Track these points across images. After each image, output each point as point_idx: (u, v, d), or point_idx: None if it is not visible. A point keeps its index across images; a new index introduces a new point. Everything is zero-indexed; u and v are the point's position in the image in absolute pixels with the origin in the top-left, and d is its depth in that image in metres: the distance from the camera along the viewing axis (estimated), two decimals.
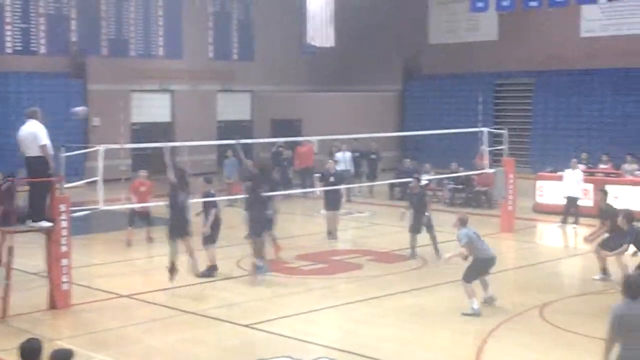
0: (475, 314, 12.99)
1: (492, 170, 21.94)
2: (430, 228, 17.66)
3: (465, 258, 13.56)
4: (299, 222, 23.43)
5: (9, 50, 30.98)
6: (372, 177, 28.65)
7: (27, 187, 13.61)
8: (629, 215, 14.20)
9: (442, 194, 26.04)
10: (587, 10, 32.41)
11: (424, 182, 20.24)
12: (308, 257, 17.98)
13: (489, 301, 13.61)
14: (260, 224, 16.05)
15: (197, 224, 16.29)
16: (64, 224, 13.55)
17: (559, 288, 15.59)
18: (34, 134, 13.27)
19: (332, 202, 20.04)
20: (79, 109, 16.87)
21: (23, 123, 13.58)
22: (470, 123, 29.17)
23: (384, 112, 36.96)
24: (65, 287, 13.62)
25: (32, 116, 13.58)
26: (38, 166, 13.28)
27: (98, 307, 13.95)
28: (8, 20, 30.90)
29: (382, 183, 27.02)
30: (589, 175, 22.84)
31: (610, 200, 16.27)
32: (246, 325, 12.68)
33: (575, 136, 31.09)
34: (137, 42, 33.98)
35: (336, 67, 37.92)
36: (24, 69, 31.01)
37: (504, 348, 11.68)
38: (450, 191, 25.99)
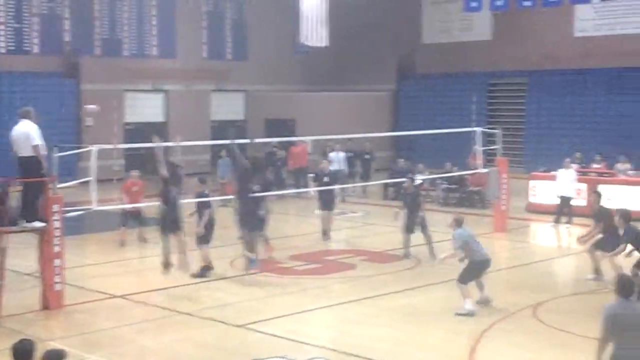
0: (469, 314, 12.99)
1: (485, 170, 21.95)
2: (424, 228, 17.66)
3: (462, 260, 13.57)
4: (293, 223, 23.42)
5: (2, 50, 30.91)
6: (365, 177, 28.64)
7: (20, 187, 13.57)
8: (626, 215, 14.16)
9: (435, 194, 26.04)
10: (580, 10, 32.49)
11: (418, 182, 20.25)
12: (302, 257, 17.97)
13: (484, 302, 13.61)
14: (250, 217, 16.04)
15: (191, 224, 16.27)
16: (57, 224, 13.51)
17: (552, 288, 15.60)
18: (27, 133, 13.25)
19: (326, 202, 20.05)
20: (91, 107, 16.85)
21: (16, 123, 13.56)
22: (464, 123, 29.19)
23: (378, 112, 36.99)
24: (58, 287, 13.57)
25: (26, 116, 13.55)
26: (31, 166, 13.25)
27: (91, 307, 13.92)
28: (1, 19, 30.83)
29: (376, 183, 27.02)
30: (582, 174, 22.87)
31: (603, 202, 16.25)
32: (240, 326, 12.66)
33: (569, 136, 31.14)
34: (131, 41, 33.93)
35: (330, 66, 37.92)
36: (17, 69, 30.95)
37: (497, 348, 11.69)
38: (443, 191, 26.00)
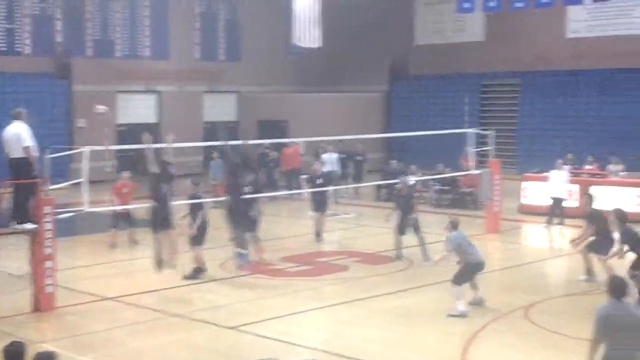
0: (462, 315, 12.99)
1: (478, 172, 21.96)
2: (417, 230, 17.63)
3: (460, 263, 13.57)
4: (285, 224, 23.38)
5: None
6: (358, 178, 28.63)
7: (11, 189, 13.52)
8: (622, 215, 14.08)
9: (428, 195, 26.04)
10: (573, 11, 32.58)
11: (411, 183, 20.23)
12: (294, 259, 17.95)
13: (478, 302, 13.62)
14: (241, 214, 16.02)
15: (184, 225, 16.24)
16: (49, 225, 13.46)
17: (544, 289, 15.61)
18: (18, 135, 13.22)
19: (320, 204, 20.01)
20: (101, 107, 16.78)
21: (8, 124, 13.51)
22: (457, 124, 29.20)
23: (370, 113, 37.00)
24: (49, 289, 13.53)
25: (17, 117, 13.52)
26: (22, 167, 13.22)
27: (83, 309, 13.87)
28: None
29: (369, 184, 27.02)
30: (575, 176, 22.90)
31: (595, 204, 16.23)
32: (232, 328, 12.64)
33: (561, 137, 31.19)
34: (123, 42, 33.87)
35: (323, 67, 37.92)
36: (9, 70, 30.86)
37: (490, 349, 11.70)
38: (436, 192, 26.00)
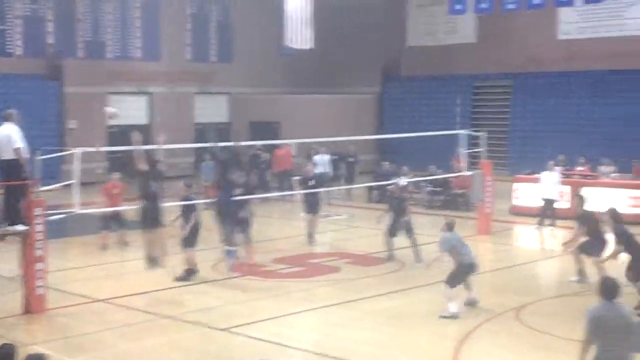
0: (453, 317, 12.99)
1: (470, 173, 21.98)
2: (410, 232, 17.58)
3: (453, 264, 13.58)
4: (277, 225, 23.36)
5: None
6: (350, 179, 28.63)
7: (1, 190, 13.47)
8: (616, 215, 14.05)
9: (420, 197, 26.05)
10: (564, 12, 32.65)
11: (404, 184, 20.23)
12: (285, 260, 17.93)
13: (472, 303, 13.64)
14: (229, 209, 16.00)
15: (176, 227, 16.22)
16: (39, 227, 13.41)
17: (535, 290, 15.63)
18: (9, 136, 13.18)
19: (312, 205, 19.97)
20: (111, 110, 16.67)
21: None
22: (449, 125, 29.23)
23: (363, 115, 37.00)
24: (40, 291, 13.48)
25: (8, 119, 13.47)
26: (13, 169, 13.18)
27: (73, 311, 13.83)
28: None
29: (360, 186, 27.02)
30: (566, 177, 22.93)
31: (587, 205, 16.24)
32: (223, 329, 12.61)
33: (553, 138, 31.21)
34: (114, 44, 33.78)
35: (315, 69, 37.92)
36: (0, 71, 30.74)
37: (481, 350, 11.70)
38: (428, 194, 26.01)
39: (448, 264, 13.68)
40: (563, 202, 21.96)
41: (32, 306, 13.40)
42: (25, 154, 13.26)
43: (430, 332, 12.45)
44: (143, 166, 14.83)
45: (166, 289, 15.13)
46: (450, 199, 25.55)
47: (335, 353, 11.39)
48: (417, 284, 15.47)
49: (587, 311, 7.96)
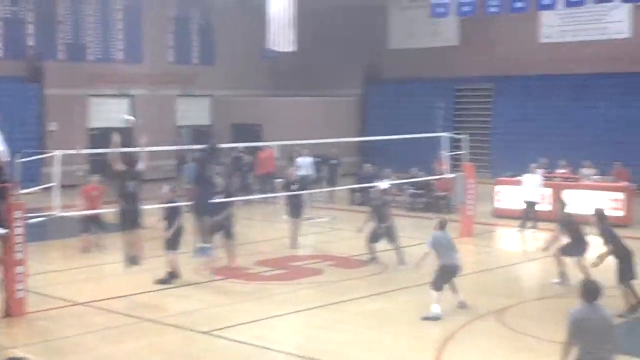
0: (435, 318, 12.99)
1: (452, 176, 22.01)
2: (392, 239, 17.48)
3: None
4: (259, 228, 23.31)
5: None
6: (332, 182, 28.61)
7: None
8: (602, 215, 14.00)
9: (402, 199, 26.06)
10: (546, 16, 32.79)
11: (386, 187, 20.20)
12: (268, 263, 17.88)
13: (461, 306, 13.65)
14: (204, 205, 15.94)
15: (159, 230, 16.15)
16: (20, 230, 13.32)
17: (518, 292, 15.66)
18: None
19: (295, 209, 19.87)
20: (129, 118, 16.56)
21: None
22: (431, 128, 29.23)
23: (345, 117, 37.01)
24: (20, 295, 13.38)
25: None
26: None
27: (54, 315, 13.74)
28: None
29: (343, 188, 27.01)
30: (548, 180, 23.01)
31: (568, 209, 16.25)
32: (205, 333, 12.55)
33: (535, 141, 31.32)
34: (96, 46, 33.63)
35: (297, 72, 37.90)
36: None
37: (464, 352, 11.70)
38: (410, 196, 26.03)
39: (432, 264, 13.65)
40: (545, 205, 22.04)
41: (12, 310, 13.30)
42: (6, 157, 13.16)
43: (413, 335, 12.45)
44: (119, 167, 14.71)
45: (148, 292, 15.05)
46: (433, 201, 25.58)
47: (318, 355, 11.37)
48: (400, 286, 15.47)
49: (569, 314, 7.98)
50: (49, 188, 15.44)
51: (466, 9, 28.14)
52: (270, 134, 33.45)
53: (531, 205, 21.90)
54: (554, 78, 33.03)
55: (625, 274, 13.37)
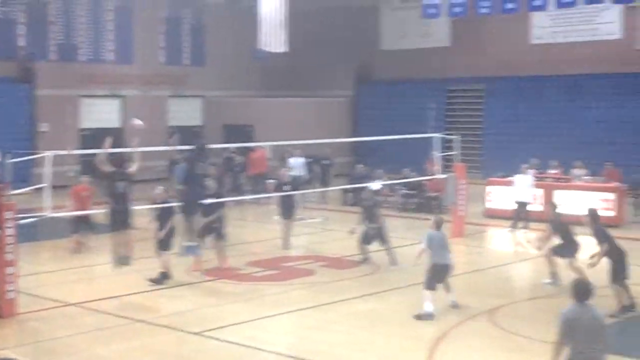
0: (427, 316, 13.01)
1: (443, 176, 22.03)
2: (384, 241, 17.48)
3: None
4: (251, 229, 23.30)
5: None
6: (324, 182, 28.60)
7: None
8: (595, 215, 14.01)
9: (394, 199, 26.09)
10: (537, 17, 32.84)
11: (377, 188, 20.21)
12: (260, 264, 17.87)
13: (454, 306, 13.68)
14: (192, 203, 15.92)
15: (151, 230, 16.13)
16: (10, 231, 13.28)
17: (509, 292, 15.69)
18: None
19: (287, 209, 19.84)
20: (137, 122, 16.49)
21: None
22: (422, 128, 29.26)
23: (337, 118, 37.02)
24: (11, 295, 13.35)
25: None
26: None
27: (45, 315, 13.69)
28: None
29: (335, 189, 27.00)
30: (539, 180, 23.06)
31: (559, 210, 16.25)
32: (197, 333, 12.53)
33: (526, 142, 31.38)
34: (87, 46, 33.54)
35: (288, 72, 37.87)
36: None
37: (455, 352, 11.71)
38: (402, 196, 26.05)
39: (427, 263, 13.66)
40: (536, 205, 22.08)
41: (2, 310, 13.26)
42: None
43: (405, 335, 12.45)
44: (107, 168, 14.65)
45: (139, 292, 15.02)
46: (424, 201, 25.60)
47: (310, 356, 11.36)
48: (391, 286, 15.48)
49: (560, 313, 7.99)
50: (40, 188, 15.41)
51: (457, 9, 28.16)
52: (262, 135, 33.44)
53: (522, 205, 21.95)
54: (545, 79, 33.11)
55: (618, 273, 13.42)
